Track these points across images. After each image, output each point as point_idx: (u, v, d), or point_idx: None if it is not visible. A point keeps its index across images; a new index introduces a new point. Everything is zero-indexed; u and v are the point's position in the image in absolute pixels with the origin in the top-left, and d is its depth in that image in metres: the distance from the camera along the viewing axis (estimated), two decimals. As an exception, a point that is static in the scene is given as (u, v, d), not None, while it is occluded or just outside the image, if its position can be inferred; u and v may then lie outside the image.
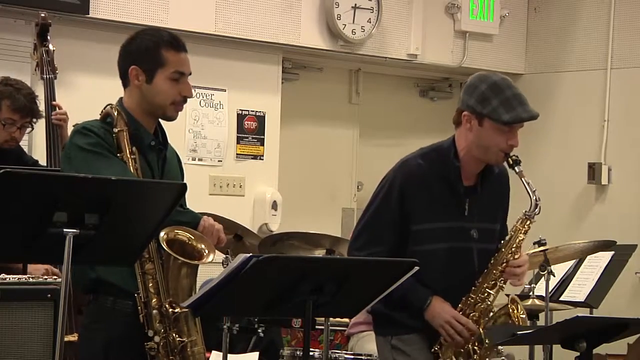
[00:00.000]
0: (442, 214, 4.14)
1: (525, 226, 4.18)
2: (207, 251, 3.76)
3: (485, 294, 4.16)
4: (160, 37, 3.83)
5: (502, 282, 4.17)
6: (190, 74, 3.86)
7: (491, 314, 4.21)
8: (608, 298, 6.06)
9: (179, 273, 3.74)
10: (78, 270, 3.62)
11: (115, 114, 3.75)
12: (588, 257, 5.96)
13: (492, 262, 4.17)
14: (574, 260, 5.96)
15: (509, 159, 4.11)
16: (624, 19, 7.91)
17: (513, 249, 4.17)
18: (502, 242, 4.19)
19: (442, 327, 4.11)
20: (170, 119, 3.86)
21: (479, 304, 4.16)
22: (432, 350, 4.15)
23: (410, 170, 4.18)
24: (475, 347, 4.15)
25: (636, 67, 7.84)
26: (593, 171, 7.90)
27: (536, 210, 4.17)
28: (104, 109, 3.79)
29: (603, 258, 6.04)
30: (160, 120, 3.90)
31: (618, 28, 7.93)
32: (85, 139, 3.71)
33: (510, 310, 4.23)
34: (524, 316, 4.28)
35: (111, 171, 3.58)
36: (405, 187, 4.13)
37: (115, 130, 3.73)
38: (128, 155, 3.73)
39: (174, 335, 3.70)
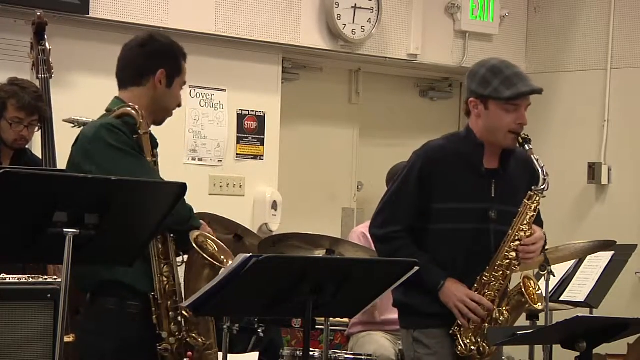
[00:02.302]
0: (468, 195, 4.19)
1: (535, 202, 4.21)
2: (229, 259, 3.84)
3: (500, 273, 4.18)
4: (178, 46, 3.97)
5: (515, 260, 4.19)
6: None
7: (507, 291, 4.24)
8: (608, 298, 6.06)
9: (201, 275, 3.76)
10: (89, 271, 3.62)
11: (139, 115, 3.75)
12: (588, 257, 5.96)
13: (504, 240, 4.18)
14: (574, 260, 5.95)
15: (520, 138, 4.16)
16: (624, 19, 7.91)
17: (524, 226, 4.19)
18: (513, 220, 4.20)
19: (456, 307, 4.14)
20: (161, 123, 3.96)
21: (493, 283, 4.18)
22: (451, 331, 4.18)
23: (432, 151, 4.24)
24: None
25: (636, 67, 7.84)
26: (593, 171, 7.90)
27: (544, 186, 4.20)
28: (120, 108, 3.79)
29: (603, 258, 6.04)
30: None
31: (618, 28, 7.93)
32: (114, 135, 3.71)
33: (525, 288, 4.24)
34: (539, 292, 4.31)
35: (143, 171, 3.65)
36: (426, 167, 4.19)
37: (141, 132, 3.75)
38: (150, 159, 3.76)
39: (193, 336, 3.72)
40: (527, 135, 4.17)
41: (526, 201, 4.21)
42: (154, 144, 3.88)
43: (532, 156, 4.16)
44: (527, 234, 4.19)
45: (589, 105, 8.05)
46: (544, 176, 4.19)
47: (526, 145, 4.15)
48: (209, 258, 3.74)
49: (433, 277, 4.15)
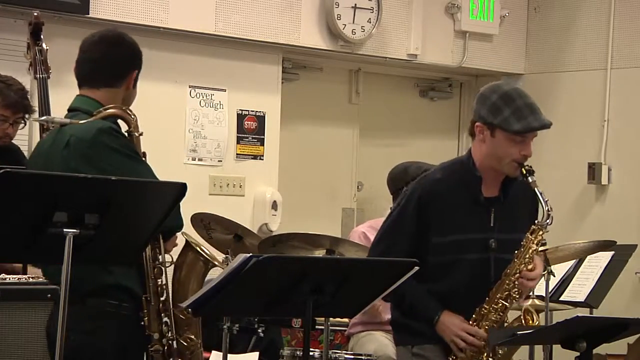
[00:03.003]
0: (467, 226, 4.15)
1: (538, 236, 4.17)
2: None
3: (499, 305, 4.15)
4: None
5: (515, 292, 4.16)
6: None
7: (505, 324, 4.21)
8: (608, 298, 6.06)
9: (193, 273, 3.77)
10: (89, 274, 3.61)
11: (133, 116, 3.74)
12: (588, 257, 5.96)
13: (505, 272, 4.16)
14: (574, 260, 5.95)
15: (523, 169, 4.10)
16: (624, 19, 7.91)
17: (526, 260, 4.15)
18: (515, 252, 4.17)
19: (452, 341, 4.13)
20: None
21: (492, 314, 4.15)
22: (450, 359, 4.17)
23: (429, 184, 4.20)
24: (491, 358, 4.16)
25: (636, 67, 7.83)
26: (593, 171, 7.90)
27: (548, 220, 4.15)
28: (108, 109, 3.73)
29: (603, 258, 6.04)
30: None
31: (618, 28, 7.93)
32: (117, 140, 3.69)
33: (524, 321, 4.23)
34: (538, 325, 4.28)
35: (149, 175, 3.65)
36: (423, 201, 4.15)
37: (136, 134, 3.74)
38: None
39: (186, 336, 3.72)
40: (531, 167, 4.10)
41: (529, 235, 4.16)
42: None
43: (535, 189, 4.10)
44: (528, 268, 4.16)
45: (589, 105, 8.05)
46: (548, 211, 4.13)
47: (529, 178, 4.08)
48: (204, 253, 3.75)
49: (429, 311, 4.14)
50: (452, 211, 4.15)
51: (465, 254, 4.15)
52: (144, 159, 3.79)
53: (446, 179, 4.20)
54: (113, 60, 3.85)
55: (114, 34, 3.92)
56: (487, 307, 4.15)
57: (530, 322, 4.25)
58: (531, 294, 5.48)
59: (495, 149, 4.11)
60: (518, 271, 4.15)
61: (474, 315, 4.16)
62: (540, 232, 4.17)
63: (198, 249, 3.83)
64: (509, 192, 4.21)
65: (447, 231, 4.14)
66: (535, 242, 4.17)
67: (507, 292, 4.15)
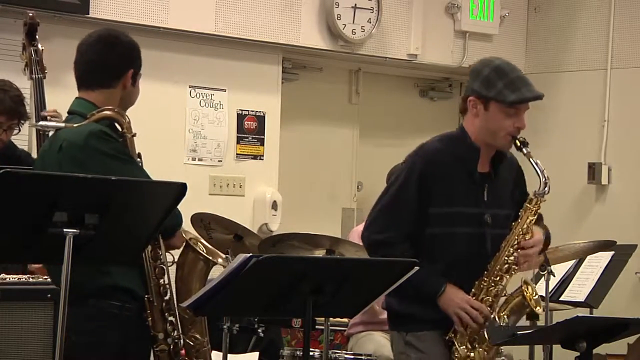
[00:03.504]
0: (463, 199, 4.17)
1: (535, 206, 4.19)
2: (217, 257, 3.90)
3: (498, 278, 4.17)
4: (136, 42, 3.93)
5: (514, 264, 4.18)
6: None
7: (504, 297, 4.22)
8: (608, 298, 6.06)
9: (194, 272, 3.77)
10: (87, 276, 3.60)
11: (126, 118, 3.73)
12: (588, 257, 5.96)
13: (503, 244, 4.17)
14: (574, 260, 5.95)
15: (517, 141, 4.13)
16: (624, 19, 7.91)
17: (524, 230, 4.18)
18: (513, 224, 4.19)
19: (456, 314, 4.11)
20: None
21: (492, 288, 4.17)
22: (447, 337, 4.16)
23: (430, 154, 4.21)
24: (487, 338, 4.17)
25: (636, 67, 7.84)
26: (593, 171, 7.90)
27: (545, 189, 4.18)
28: (101, 112, 3.72)
29: (603, 258, 6.04)
30: None
31: (618, 28, 7.93)
32: (108, 144, 3.67)
33: (524, 292, 4.24)
34: (537, 297, 4.29)
35: (142, 177, 3.63)
36: (425, 171, 4.16)
37: (129, 135, 3.73)
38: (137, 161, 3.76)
39: (191, 334, 3.72)
40: (524, 139, 4.15)
41: (527, 204, 4.19)
42: None
43: (530, 160, 4.13)
44: (526, 238, 4.18)
45: (589, 105, 8.05)
46: (545, 180, 4.16)
47: (524, 149, 4.12)
48: (203, 253, 3.76)
49: (433, 284, 4.11)
50: (450, 183, 4.17)
51: (462, 227, 4.16)
52: (138, 159, 3.77)
53: (445, 149, 4.22)
54: (106, 60, 3.83)
55: (110, 34, 3.90)
56: (487, 279, 4.17)
57: (529, 293, 4.24)
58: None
59: (488, 123, 4.14)
60: (516, 242, 4.17)
61: (473, 290, 4.16)
62: (537, 202, 4.19)
63: (197, 248, 3.83)
64: (499, 168, 4.25)
65: (445, 202, 4.15)
66: (533, 212, 4.19)
67: (506, 265, 4.17)
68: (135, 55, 3.88)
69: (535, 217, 4.21)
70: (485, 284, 4.17)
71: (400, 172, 4.26)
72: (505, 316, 4.22)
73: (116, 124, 3.76)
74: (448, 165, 4.18)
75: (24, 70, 5.19)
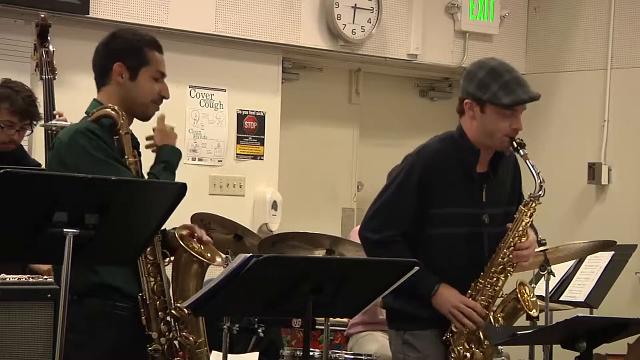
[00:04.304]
0: (462, 200, 4.17)
1: (531, 209, 4.19)
2: (215, 256, 3.84)
3: (494, 279, 4.17)
4: (142, 37, 3.90)
5: (510, 266, 4.18)
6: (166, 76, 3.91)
7: (500, 299, 4.22)
8: (608, 298, 6.06)
9: (189, 272, 3.76)
10: (75, 274, 3.58)
11: (120, 115, 3.72)
12: (588, 257, 5.96)
13: (499, 246, 4.17)
14: (574, 260, 5.95)
15: (514, 143, 4.13)
16: (624, 19, 7.91)
17: (519, 232, 4.18)
18: (508, 225, 4.19)
19: (450, 313, 4.12)
20: (148, 118, 3.89)
21: (488, 289, 4.17)
22: (444, 337, 4.16)
23: (430, 155, 4.21)
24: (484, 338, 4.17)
25: (636, 67, 7.84)
26: (593, 171, 7.90)
27: (540, 192, 4.18)
28: (99, 110, 3.73)
29: (603, 258, 6.04)
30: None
31: (618, 28, 7.93)
32: (90, 142, 3.66)
33: (520, 294, 4.23)
34: (534, 299, 4.28)
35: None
36: (425, 172, 4.16)
37: (122, 132, 3.71)
38: (132, 159, 3.73)
39: (184, 335, 3.70)
40: (522, 140, 4.14)
41: (522, 207, 4.19)
42: (135, 143, 3.83)
43: (527, 162, 4.13)
44: (522, 240, 4.18)
45: (589, 105, 8.05)
46: (540, 182, 4.16)
47: (521, 151, 4.12)
48: (196, 255, 3.74)
49: (427, 283, 4.11)
50: (449, 183, 4.17)
51: (459, 227, 4.16)
52: (133, 158, 3.75)
53: (445, 149, 4.22)
54: (97, 59, 3.87)
55: (111, 33, 3.92)
56: (483, 281, 4.17)
57: (525, 295, 4.23)
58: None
59: (485, 125, 4.14)
60: (512, 244, 4.17)
61: (469, 291, 4.16)
62: (533, 205, 4.19)
63: (188, 248, 3.79)
64: (497, 168, 4.25)
65: (445, 203, 4.15)
66: (529, 214, 4.19)
67: (501, 266, 4.17)
68: (127, 49, 3.84)
69: (531, 220, 4.21)
70: (481, 285, 4.17)
71: (399, 171, 4.26)
72: (500, 318, 4.22)
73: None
74: (447, 166, 4.18)
75: (35, 70, 5.21)
